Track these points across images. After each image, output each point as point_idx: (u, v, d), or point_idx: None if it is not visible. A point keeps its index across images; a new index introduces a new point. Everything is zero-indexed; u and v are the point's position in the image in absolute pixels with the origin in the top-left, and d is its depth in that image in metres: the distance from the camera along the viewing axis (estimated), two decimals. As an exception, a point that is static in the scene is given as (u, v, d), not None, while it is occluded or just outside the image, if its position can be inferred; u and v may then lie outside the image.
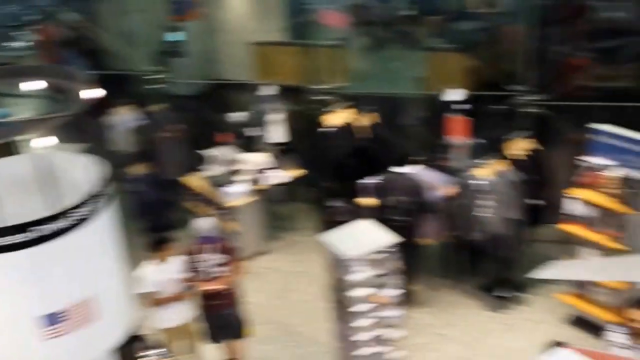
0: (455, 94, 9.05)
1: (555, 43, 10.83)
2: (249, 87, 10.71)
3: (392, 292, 6.99)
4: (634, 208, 7.33)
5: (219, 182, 9.78)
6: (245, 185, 9.73)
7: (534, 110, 9.21)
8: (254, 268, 9.18)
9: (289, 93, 10.61)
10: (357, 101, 9.86)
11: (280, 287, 9.29)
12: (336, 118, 9.69)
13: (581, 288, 7.98)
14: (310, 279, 9.14)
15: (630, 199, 7.33)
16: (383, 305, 7.00)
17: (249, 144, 10.35)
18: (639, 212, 7.34)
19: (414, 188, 8.28)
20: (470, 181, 8.14)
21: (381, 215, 8.04)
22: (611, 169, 7.56)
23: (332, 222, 8.14)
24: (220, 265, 7.12)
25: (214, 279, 7.11)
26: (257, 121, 10.40)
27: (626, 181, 7.36)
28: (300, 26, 11.25)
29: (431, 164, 8.85)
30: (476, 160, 8.39)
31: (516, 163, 8.18)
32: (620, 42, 9.80)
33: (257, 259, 9.71)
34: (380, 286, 6.93)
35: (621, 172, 7.44)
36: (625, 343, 5.68)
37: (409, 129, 10.23)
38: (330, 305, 7.28)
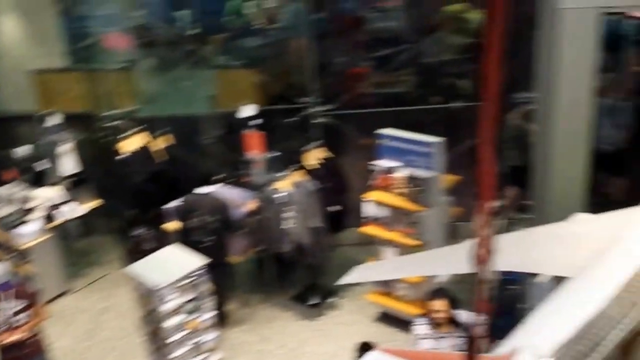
0: (248, 110, 9.17)
1: (336, 54, 11.37)
2: (33, 119, 10.04)
3: (205, 316, 6.92)
4: (422, 205, 7.88)
5: (9, 223, 9.05)
6: (38, 223, 9.11)
7: (324, 120, 9.59)
8: (58, 310, 8.63)
9: (77, 121, 10.10)
10: (150, 124, 9.64)
11: (89, 327, 8.80)
12: (131, 143, 9.39)
13: (386, 286, 8.43)
14: (120, 315, 8.78)
15: (417, 197, 7.87)
16: (198, 331, 6.90)
17: (39, 179, 9.69)
18: (427, 208, 7.91)
19: (217, 207, 8.25)
20: (272, 195, 8.29)
21: (187, 238, 7.94)
22: (398, 170, 8.07)
23: (137, 251, 7.90)
24: (19, 312, 6.63)
25: (14, 328, 6.59)
26: (45, 154, 9.78)
27: (411, 180, 7.90)
28: (83, 50, 10.76)
29: (233, 181, 8.88)
30: (276, 174, 8.56)
31: (312, 173, 8.46)
32: (394, 50, 10.49)
33: (59, 301, 9.14)
34: (193, 311, 6.83)
35: (406, 172, 7.97)
36: (429, 333, 6.08)
37: (207, 148, 10.19)
38: (144, 338, 7.03)
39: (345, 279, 6.29)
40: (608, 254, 4.98)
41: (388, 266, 6.96)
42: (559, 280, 4.99)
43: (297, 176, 8.40)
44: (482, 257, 2.66)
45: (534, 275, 5.94)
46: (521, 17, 8.19)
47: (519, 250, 5.18)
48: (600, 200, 9.36)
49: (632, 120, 9.54)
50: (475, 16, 11.56)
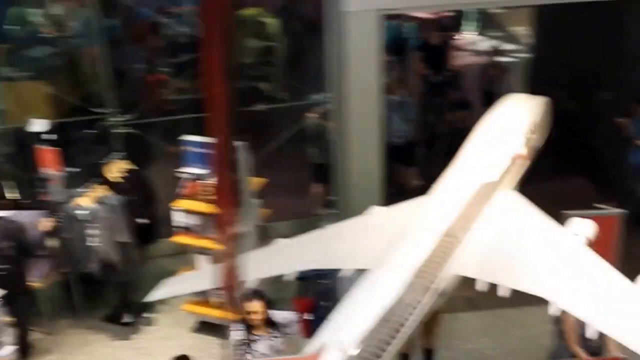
0: (39, 124, 8.59)
1: (133, 62, 11.03)
2: None
3: (5, 351, 6.40)
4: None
5: None
6: None
7: (124, 130, 9.24)
8: None
9: None
10: None
11: None
12: None
13: (202, 294, 8.29)
14: None
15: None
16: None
17: None
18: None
19: (12, 231, 7.66)
20: (73, 212, 7.86)
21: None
22: (205, 176, 7.99)
23: None
24: None
25: None
26: None
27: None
28: None
29: (28, 201, 8.29)
30: (76, 190, 8.13)
31: (116, 186, 8.13)
32: (191, 56, 10.37)
33: None
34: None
35: (212, 178, 7.89)
36: (245, 338, 6.05)
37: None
38: None
39: (153, 295, 6.11)
40: (400, 243, 5.28)
41: (197, 277, 6.82)
42: (361, 272, 5.21)
43: (99, 191, 8.03)
44: (229, 285, 2.68)
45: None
46: (312, 19, 8.47)
47: (321, 247, 5.33)
48: (397, 190, 9.97)
49: (418, 114, 10.25)
50: (270, 20, 11.78)
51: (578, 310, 5.04)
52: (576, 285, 5.11)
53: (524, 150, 6.65)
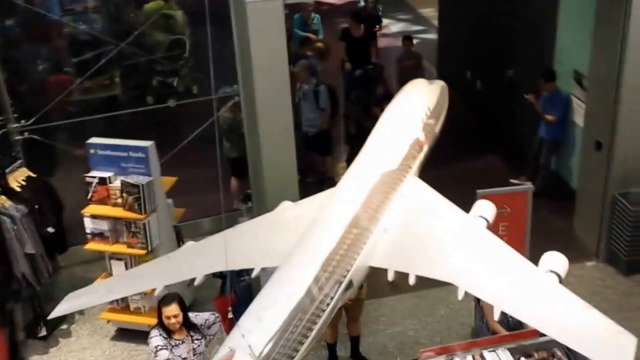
0: None
1: (33, 63, 10.52)
2: None
3: None
4: (143, 211, 7.61)
5: None
6: None
7: (24, 136, 8.80)
8: None
9: None
10: None
11: None
12: None
13: (120, 301, 8.02)
14: None
15: (136, 204, 7.59)
16: None
17: None
18: (149, 214, 7.65)
19: None
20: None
21: None
22: (113, 179, 7.71)
23: None
24: None
25: None
26: None
27: (128, 187, 7.59)
28: None
29: None
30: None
31: (17, 196, 7.72)
32: (97, 53, 9.98)
33: None
34: None
35: (121, 180, 7.65)
36: (164, 343, 5.85)
37: None
38: None
39: (57, 311, 5.86)
40: (306, 238, 5.19)
41: (104, 288, 6.54)
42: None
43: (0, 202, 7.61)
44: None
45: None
46: (220, 13, 8.26)
47: (231, 247, 5.19)
48: (313, 179, 9.93)
49: (329, 102, 10.19)
50: (177, 13, 11.47)
51: (482, 293, 5.11)
52: (478, 269, 5.16)
53: (422, 136, 6.69)
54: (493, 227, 5.82)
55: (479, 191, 7.10)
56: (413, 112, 6.93)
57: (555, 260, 5.26)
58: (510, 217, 7.19)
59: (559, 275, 5.14)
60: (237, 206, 9.44)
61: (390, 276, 5.24)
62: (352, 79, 11.61)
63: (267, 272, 5.75)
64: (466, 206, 6.06)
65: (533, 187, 7.88)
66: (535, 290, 4.97)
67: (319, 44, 12.72)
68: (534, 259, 5.45)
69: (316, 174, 10.26)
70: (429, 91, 7.45)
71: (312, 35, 12.66)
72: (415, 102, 7.13)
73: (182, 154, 9.19)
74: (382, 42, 14.21)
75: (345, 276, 5.01)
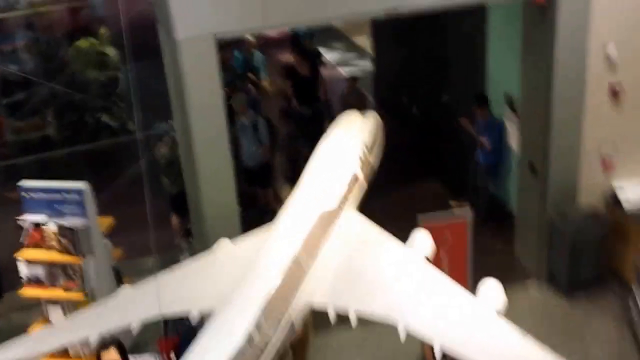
0: None
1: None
2: None
3: None
4: (79, 254, 7.40)
5: None
6: None
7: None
8: None
9: None
10: None
11: None
12: None
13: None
14: None
15: (72, 247, 7.38)
16: None
17: None
18: (86, 257, 7.45)
19: None
20: None
21: None
22: (47, 223, 7.49)
23: None
24: None
25: None
26: None
27: (63, 231, 7.39)
28: None
29: None
30: None
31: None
32: (26, 95, 9.79)
33: None
34: None
35: (56, 224, 7.44)
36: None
37: None
38: None
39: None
40: (245, 280, 5.08)
41: (39, 340, 6.25)
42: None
43: None
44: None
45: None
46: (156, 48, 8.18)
47: (167, 291, 5.05)
48: (255, 213, 9.82)
49: (267, 135, 10.13)
50: (109, 50, 11.33)
51: (421, 331, 5.06)
52: (416, 305, 5.14)
53: (359, 173, 6.68)
54: (434, 256, 5.84)
55: (421, 215, 7.12)
56: (350, 148, 6.91)
57: (491, 288, 5.30)
58: (451, 244, 7.23)
59: (496, 303, 5.18)
60: (179, 242, 9.26)
61: (332, 317, 5.18)
62: (301, 118, 11.50)
63: (210, 314, 5.62)
64: (408, 232, 6.07)
65: (471, 211, 7.91)
66: (473, 324, 4.98)
67: (265, 85, 12.61)
68: (476, 282, 5.47)
69: (259, 206, 10.16)
70: (364, 124, 7.46)
71: (253, 77, 12.54)
72: (352, 137, 7.10)
73: (121, 191, 9.01)
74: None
75: (288, 317, 4.91)
